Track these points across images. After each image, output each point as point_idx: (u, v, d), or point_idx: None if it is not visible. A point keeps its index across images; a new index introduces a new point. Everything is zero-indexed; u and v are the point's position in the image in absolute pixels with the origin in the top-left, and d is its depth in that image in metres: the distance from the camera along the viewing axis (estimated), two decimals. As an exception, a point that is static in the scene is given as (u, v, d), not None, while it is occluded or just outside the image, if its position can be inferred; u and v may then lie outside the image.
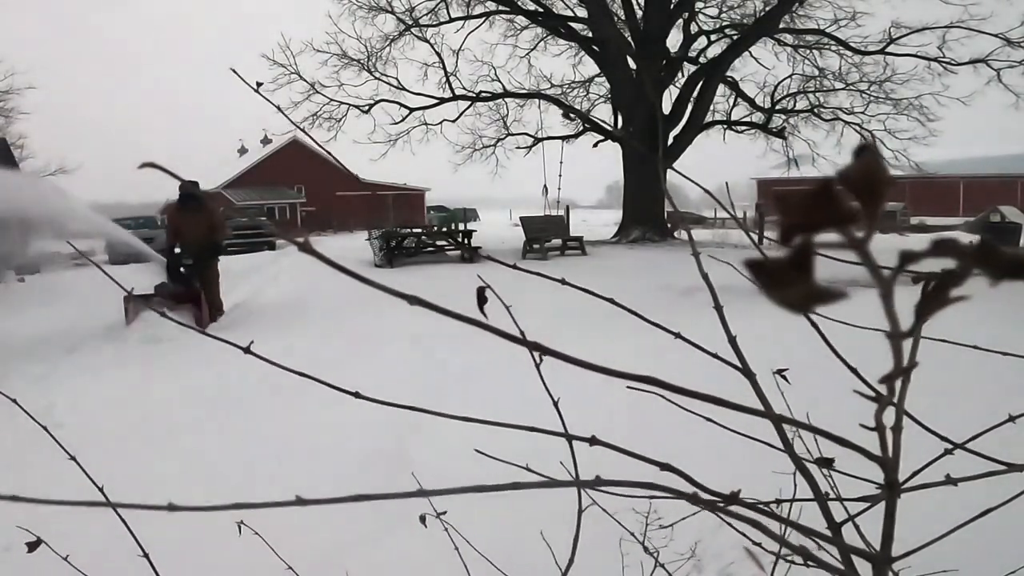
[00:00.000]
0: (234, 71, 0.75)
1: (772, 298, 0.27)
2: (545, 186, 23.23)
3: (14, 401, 1.00)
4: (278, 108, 0.83)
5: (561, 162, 22.34)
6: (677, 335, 0.65)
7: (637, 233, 19.25)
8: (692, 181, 0.91)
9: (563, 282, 0.65)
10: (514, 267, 0.62)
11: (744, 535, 0.74)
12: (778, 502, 0.77)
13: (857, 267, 0.34)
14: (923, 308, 0.31)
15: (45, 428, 0.98)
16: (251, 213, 31.91)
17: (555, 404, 0.81)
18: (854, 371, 0.64)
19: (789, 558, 0.85)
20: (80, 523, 2.13)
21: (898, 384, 0.64)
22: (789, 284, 0.27)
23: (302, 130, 0.86)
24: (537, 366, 0.67)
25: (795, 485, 0.80)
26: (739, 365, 0.61)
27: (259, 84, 0.78)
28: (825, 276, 0.33)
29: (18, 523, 0.97)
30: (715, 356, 0.64)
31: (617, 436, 0.64)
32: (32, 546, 1.00)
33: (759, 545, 0.78)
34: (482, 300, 0.57)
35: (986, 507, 0.77)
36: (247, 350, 0.69)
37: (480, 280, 0.61)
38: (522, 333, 0.53)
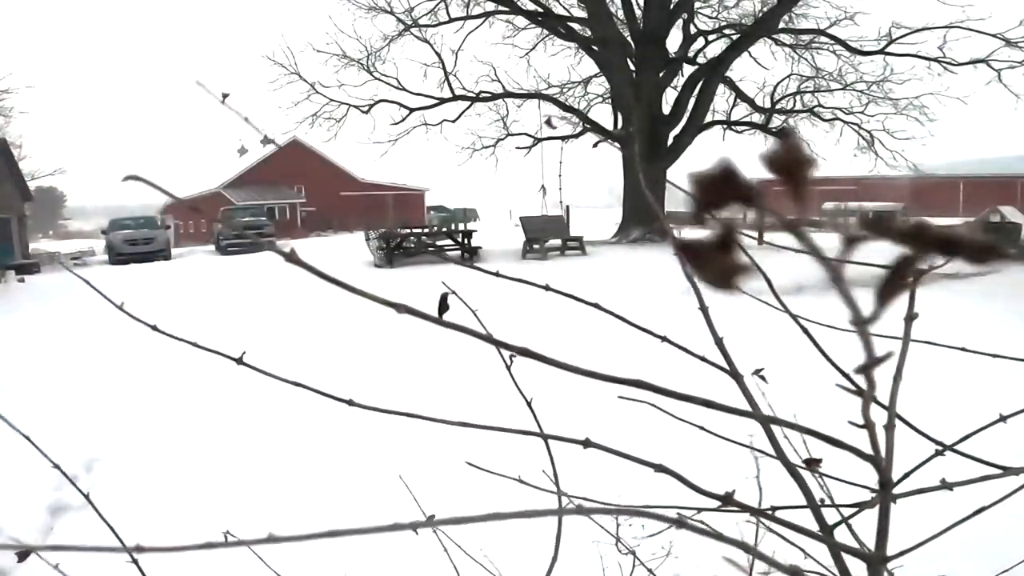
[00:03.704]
0: (200, 84, 0.74)
1: (699, 277, 0.29)
2: (543, 186, 23.20)
3: None
4: (246, 119, 0.82)
5: (560, 162, 22.32)
6: (663, 339, 0.65)
7: (637, 233, 19.23)
8: (679, 188, 0.90)
9: (547, 288, 0.65)
10: (496, 274, 0.62)
11: (737, 546, 0.73)
12: (773, 509, 0.76)
13: (855, 268, 0.34)
14: (884, 292, 0.32)
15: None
16: (251, 213, 31.87)
17: (528, 404, 0.80)
18: (836, 367, 0.64)
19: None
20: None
21: (890, 384, 0.64)
22: (712, 263, 0.28)
23: (275, 144, 0.85)
24: (508, 368, 0.67)
25: (761, 485, 0.80)
26: (726, 367, 0.61)
27: (225, 96, 0.77)
28: (824, 277, 0.33)
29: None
30: (702, 359, 0.63)
31: (612, 436, 0.64)
32: (22, 556, 1.00)
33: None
34: (444, 308, 0.57)
35: (979, 506, 0.77)
36: (239, 361, 0.68)
37: (444, 286, 0.60)
38: (490, 336, 0.53)
